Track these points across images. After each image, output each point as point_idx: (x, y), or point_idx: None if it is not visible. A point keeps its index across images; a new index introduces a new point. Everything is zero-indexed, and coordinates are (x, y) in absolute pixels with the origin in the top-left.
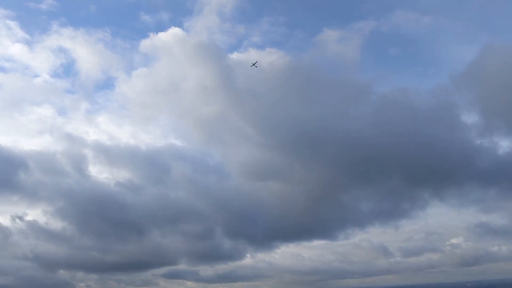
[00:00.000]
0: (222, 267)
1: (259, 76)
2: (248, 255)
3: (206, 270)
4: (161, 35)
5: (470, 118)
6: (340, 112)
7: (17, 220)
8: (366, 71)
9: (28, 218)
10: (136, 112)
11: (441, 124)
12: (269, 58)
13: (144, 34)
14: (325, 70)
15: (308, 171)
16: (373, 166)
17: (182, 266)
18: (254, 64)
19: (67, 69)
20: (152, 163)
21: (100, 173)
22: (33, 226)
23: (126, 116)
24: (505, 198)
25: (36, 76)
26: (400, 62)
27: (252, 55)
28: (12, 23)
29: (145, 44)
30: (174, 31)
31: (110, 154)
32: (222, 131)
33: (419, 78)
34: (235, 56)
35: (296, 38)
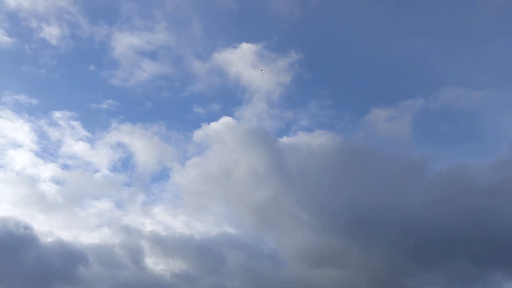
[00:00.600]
0: None
1: (311, 158)
2: None
3: None
4: (213, 124)
5: None
6: (397, 192)
7: None
8: (420, 149)
9: None
10: (190, 201)
11: (505, 199)
12: (319, 140)
13: (197, 125)
14: (377, 149)
15: (368, 256)
16: (437, 247)
17: None
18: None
19: (125, 163)
20: (206, 252)
21: (156, 265)
22: None
23: (180, 206)
24: None
25: (97, 171)
26: (453, 138)
27: (302, 138)
28: (75, 124)
29: (198, 134)
30: (225, 120)
31: (166, 245)
32: (275, 216)
33: (475, 153)
34: (285, 140)
35: (344, 119)
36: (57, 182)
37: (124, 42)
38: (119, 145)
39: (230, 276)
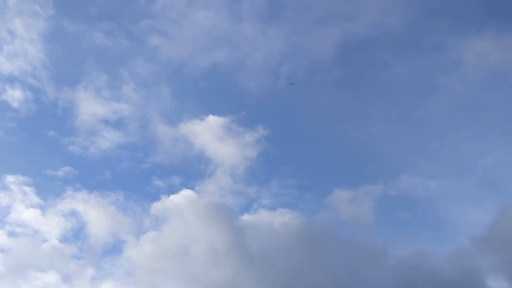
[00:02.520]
0: None
1: (272, 237)
2: None
3: None
4: (173, 197)
5: (496, 283)
6: (357, 277)
7: None
8: (381, 234)
9: None
10: (142, 278)
11: None
12: (281, 219)
13: (156, 197)
14: (339, 231)
15: None
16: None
17: None
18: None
19: (76, 233)
20: None
21: None
22: None
23: (131, 283)
24: None
25: (45, 241)
26: (413, 225)
27: (264, 216)
28: (28, 189)
29: (156, 206)
30: (186, 193)
31: None
32: None
33: (434, 241)
34: (246, 217)
35: (306, 199)
36: (2, 250)
37: (88, 109)
38: (72, 214)
39: None
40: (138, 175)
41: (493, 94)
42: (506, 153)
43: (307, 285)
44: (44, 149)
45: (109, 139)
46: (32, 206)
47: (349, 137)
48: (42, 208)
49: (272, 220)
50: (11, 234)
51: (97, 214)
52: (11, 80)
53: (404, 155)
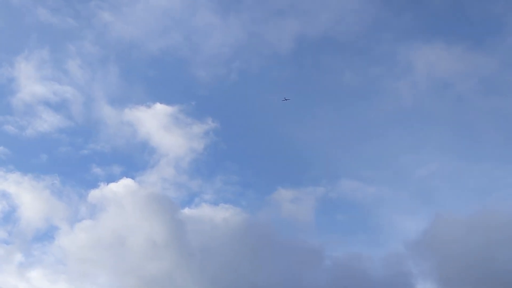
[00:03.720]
0: None
1: (213, 233)
2: None
3: None
4: (112, 185)
5: (426, 287)
6: (294, 277)
7: None
8: (319, 235)
9: None
10: (74, 268)
11: None
12: (223, 214)
13: (94, 184)
14: (279, 229)
15: None
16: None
17: None
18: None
19: (7, 216)
20: None
21: None
22: None
23: (62, 272)
24: None
25: None
26: (350, 228)
27: (206, 210)
28: None
29: (93, 194)
30: (126, 182)
31: None
32: None
33: (370, 244)
34: (187, 211)
35: (249, 197)
36: None
37: (28, 88)
38: (3, 196)
39: None
40: (76, 161)
41: (437, 104)
42: (441, 165)
43: (246, 282)
44: None
45: (48, 121)
46: None
47: (296, 138)
48: None
49: (214, 215)
50: None
51: (30, 197)
52: None
53: (347, 160)
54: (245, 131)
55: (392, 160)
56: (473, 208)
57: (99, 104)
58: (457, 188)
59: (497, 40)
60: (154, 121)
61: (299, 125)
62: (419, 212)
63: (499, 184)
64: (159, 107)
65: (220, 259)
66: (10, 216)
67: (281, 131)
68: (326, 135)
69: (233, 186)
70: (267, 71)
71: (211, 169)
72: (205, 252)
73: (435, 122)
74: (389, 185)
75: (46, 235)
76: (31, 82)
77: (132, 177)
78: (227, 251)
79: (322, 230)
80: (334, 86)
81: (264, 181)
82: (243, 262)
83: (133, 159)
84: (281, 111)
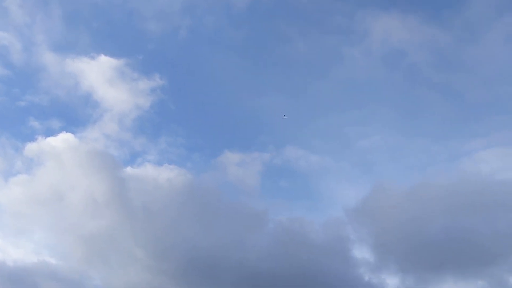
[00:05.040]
0: None
1: (155, 193)
2: None
3: None
4: (51, 139)
5: (361, 253)
6: (237, 239)
7: None
8: (264, 199)
9: None
10: (8, 222)
11: (333, 257)
12: (167, 175)
13: (31, 138)
14: (225, 192)
15: None
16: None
17: None
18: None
19: None
20: (18, 282)
21: None
22: None
23: None
24: None
25: None
26: (293, 193)
27: (149, 170)
28: None
29: (30, 148)
30: (66, 136)
31: None
32: (107, 250)
33: (311, 210)
34: (129, 170)
35: (195, 159)
36: None
37: None
38: None
39: None
40: (12, 112)
41: (391, 73)
42: (383, 138)
43: (189, 243)
44: None
45: None
46: None
47: (245, 103)
48: None
49: (158, 175)
50: None
51: None
52: None
53: (293, 128)
54: (194, 91)
55: (337, 131)
56: (411, 180)
57: (39, 50)
58: (397, 160)
59: (454, 14)
60: (98, 73)
61: (250, 90)
62: (360, 182)
63: (436, 158)
64: (104, 59)
65: (163, 220)
66: None
67: (231, 94)
68: (275, 103)
69: (179, 148)
70: (219, 31)
71: (156, 128)
72: (148, 212)
73: (385, 94)
74: (333, 155)
75: None
76: None
77: (73, 132)
78: (170, 212)
79: (266, 195)
80: (287, 54)
81: (211, 144)
82: (187, 223)
83: (74, 113)
84: (232, 74)
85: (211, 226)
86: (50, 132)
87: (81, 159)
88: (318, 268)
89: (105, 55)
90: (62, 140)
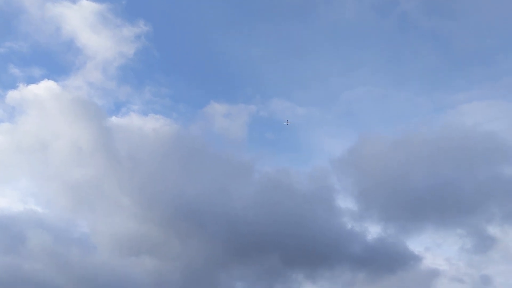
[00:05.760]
0: None
1: (141, 142)
2: None
3: None
4: (33, 87)
5: (345, 202)
6: (223, 188)
7: None
8: (250, 150)
9: None
10: None
11: (318, 206)
12: (153, 125)
13: (12, 85)
14: (211, 143)
15: (186, 247)
16: (252, 244)
17: None
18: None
19: None
20: (4, 230)
21: None
22: None
23: None
24: (371, 282)
25: None
26: (279, 145)
27: (134, 120)
28: None
29: (12, 95)
30: (48, 84)
31: None
32: (92, 198)
33: (297, 161)
34: (114, 119)
35: (181, 109)
36: None
37: None
38: None
39: (31, 257)
40: None
41: (381, 20)
42: (368, 90)
43: (175, 193)
44: None
45: None
46: None
47: (232, 54)
48: None
49: (143, 125)
50: None
51: None
52: None
53: (279, 80)
54: (180, 40)
55: (322, 83)
56: (396, 131)
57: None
58: (382, 111)
59: None
60: (80, 19)
61: (237, 39)
62: (345, 133)
63: (421, 110)
64: (86, 4)
65: (149, 169)
66: None
67: (217, 44)
68: (262, 55)
69: (164, 98)
70: None
71: (141, 77)
72: (133, 161)
73: (373, 41)
74: (318, 106)
75: None
76: None
77: (55, 80)
78: (156, 161)
79: (252, 146)
80: (272, 3)
81: (197, 94)
82: (173, 173)
83: (56, 60)
84: (219, 22)
85: (197, 176)
86: (32, 80)
87: (64, 108)
88: (302, 217)
89: None
90: (45, 88)
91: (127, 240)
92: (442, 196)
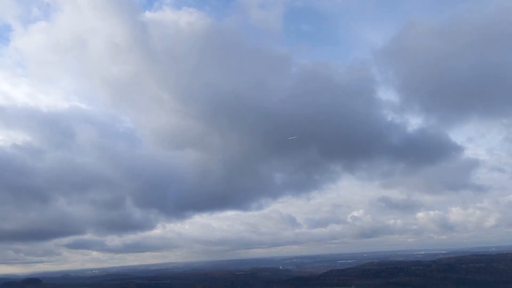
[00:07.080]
0: (130, 237)
1: (177, 37)
2: (158, 225)
3: (114, 240)
4: None
5: (386, 94)
6: (261, 82)
7: None
8: (286, 43)
9: None
10: (35, 71)
11: (358, 99)
12: (187, 19)
13: None
14: (246, 36)
15: (226, 141)
16: (290, 137)
17: (88, 236)
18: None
19: None
20: (54, 126)
21: None
22: None
23: (22, 75)
24: (409, 173)
25: None
26: (317, 37)
27: (168, 14)
28: None
29: None
30: None
31: (5, 115)
32: (134, 94)
33: (336, 53)
34: (148, 14)
35: (213, 3)
36: None
37: None
38: None
39: (80, 151)
40: None
41: None
42: None
43: (212, 87)
44: None
45: None
46: None
47: None
48: None
49: (177, 19)
50: None
51: None
52: None
53: None
54: None
55: None
56: (442, 17)
57: None
58: None
59: None
60: None
61: None
62: (388, 21)
63: None
64: None
65: (185, 64)
66: None
67: None
68: None
69: None
70: None
71: None
72: (170, 57)
73: None
74: None
75: (0, 36)
76: None
77: None
78: (192, 56)
79: (289, 39)
80: None
81: None
82: (209, 67)
83: None
84: None
85: (234, 70)
86: None
87: (98, 3)
88: (341, 109)
89: None
90: None
91: (170, 134)
92: (489, 83)
